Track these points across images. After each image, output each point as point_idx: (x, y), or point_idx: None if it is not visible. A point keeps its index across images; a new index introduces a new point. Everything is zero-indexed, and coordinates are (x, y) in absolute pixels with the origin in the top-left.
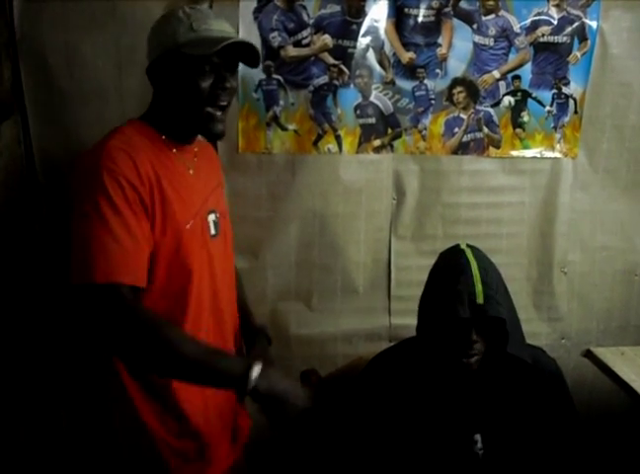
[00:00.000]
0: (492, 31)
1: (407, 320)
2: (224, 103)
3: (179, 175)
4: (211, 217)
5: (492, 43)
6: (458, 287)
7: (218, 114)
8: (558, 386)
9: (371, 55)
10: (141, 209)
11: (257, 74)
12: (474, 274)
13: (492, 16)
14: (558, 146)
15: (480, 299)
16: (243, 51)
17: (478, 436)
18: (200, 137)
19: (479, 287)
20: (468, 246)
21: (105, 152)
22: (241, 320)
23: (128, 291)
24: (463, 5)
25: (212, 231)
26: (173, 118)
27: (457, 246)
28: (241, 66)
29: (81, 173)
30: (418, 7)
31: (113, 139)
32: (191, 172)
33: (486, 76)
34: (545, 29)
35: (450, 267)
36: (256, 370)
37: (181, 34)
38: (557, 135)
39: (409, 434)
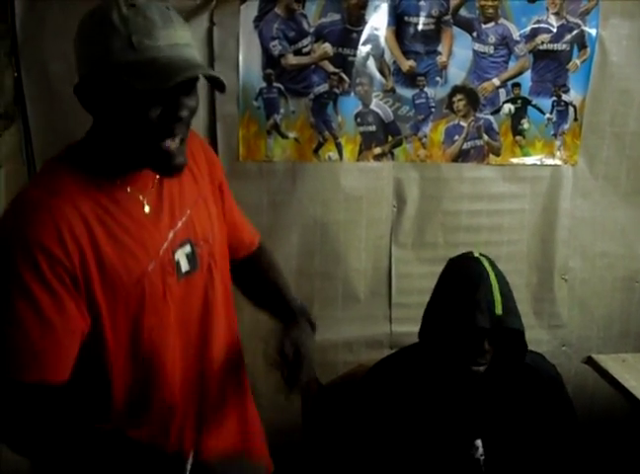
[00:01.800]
0: (492, 39)
1: (408, 327)
2: (181, 134)
3: (128, 218)
4: (182, 252)
5: (492, 51)
6: (477, 296)
7: (174, 147)
8: (558, 391)
9: (372, 63)
10: (66, 290)
11: (257, 82)
12: (493, 283)
13: (491, 24)
14: (558, 153)
15: (499, 310)
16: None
17: (479, 442)
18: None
19: (498, 298)
20: (482, 255)
21: (21, 217)
22: (275, 302)
23: (35, 388)
24: (463, 13)
25: (184, 268)
26: (116, 151)
27: (471, 253)
28: (241, 74)
29: None
30: (418, 15)
31: (32, 193)
32: (147, 209)
33: (486, 84)
34: (545, 36)
35: (467, 275)
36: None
37: (116, 50)
38: (557, 143)
39: (410, 440)
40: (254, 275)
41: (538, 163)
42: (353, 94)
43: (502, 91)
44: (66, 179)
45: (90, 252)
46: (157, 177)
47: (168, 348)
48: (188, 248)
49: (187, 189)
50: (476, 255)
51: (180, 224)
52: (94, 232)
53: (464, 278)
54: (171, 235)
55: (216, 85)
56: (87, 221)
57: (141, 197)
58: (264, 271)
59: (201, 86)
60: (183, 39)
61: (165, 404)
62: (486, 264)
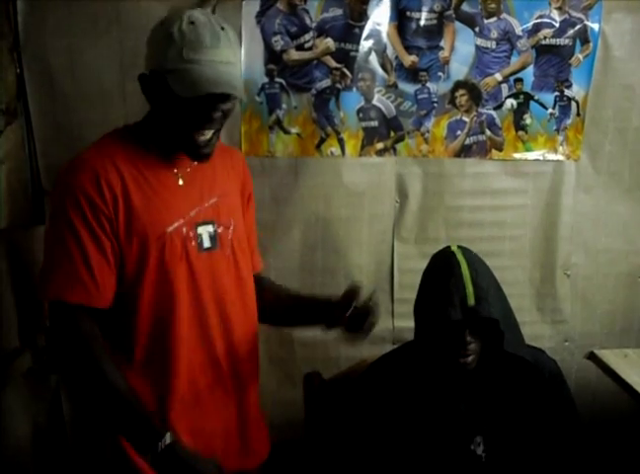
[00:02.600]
0: (494, 33)
1: (410, 323)
2: (212, 130)
3: (161, 185)
4: (204, 229)
5: (494, 46)
6: (449, 289)
7: (202, 140)
8: (559, 386)
9: (374, 59)
10: (102, 228)
11: (259, 78)
12: (464, 275)
13: (494, 19)
14: (561, 149)
15: (471, 301)
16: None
17: (479, 439)
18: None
19: (470, 289)
20: (459, 247)
21: (71, 169)
22: (307, 308)
23: (77, 310)
24: (465, 8)
25: (206, 244)
26: (160, 133)
27: (448, 248)
28: (244, 69)
29: (54, 189)
30: (420, 10)
31: (83, 154)
32: (180, 182)
33: (488, 79)
34: (547, 31)
35: (441, 268)
36: (166, 440)
37: (169, 58)
38: (560, 138)
39: (410, 437)
40: (268, 295)
41: (541, 158)
42: (355, 89)
43: (504, 86)
44: (116, 145)
45: (122, 201)
46: (186, 166)
47: (177, 303)
48: (210, 228)
49: (219, 181)
50: (453, 249)
51: (206, 204)
52: (127, 185)
53: (438, 273)
54: (197, 209)
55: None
56: (123, 176)
57: (177, 172)
58: (276, 288)
59: None
60: (224, 58)
61: (168, 364)
62: (459, 256)
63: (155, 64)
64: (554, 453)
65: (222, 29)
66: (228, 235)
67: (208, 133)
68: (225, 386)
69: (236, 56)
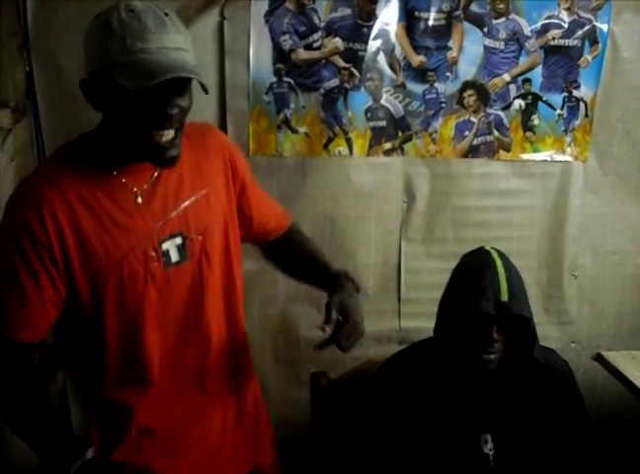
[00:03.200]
0: (502, 34)
1: (417, 323)
2: (172, 130)
3: (116, 207)
4: (171, 243)
5: (502, 47)
6: (483, 284)
7: (164, 140)
8: (569, 386)
9: (382, 58)
10: (42, 263)
11: (268, 77)
12: (499, 271)
13: (502, 19)
14: (568, 150)
15: (505, 297)
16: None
17: (488, 437)
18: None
19: (504, 285)
20: (493, 248)
21: (16, 200)
22: (314, 272)
23: (4, 341)
24: (474, 8)
25: (174, 258)
26: (116, 142)
27: (482, 247)
28: (252, 69)
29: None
30: (428, 10)
31: (32, 177)
32: (139, 200)
33: (496, 79)
34: (556, 32)
35: (475, 265)
36: (87, 456)
37: (112, 51)
38: (567, 139)
39: (420, 435)
40: (287, 252)
41: (549, 159)
42: (363, 89)
43: (512, 87)
44: (62, 168)
45: (70, 233)
46: (156, 171)
47: (146, 328)
48: (178, 240)
49: (187, 183)
50: (487, 248)
51: (173, 215)
52: (77, 216)
53: (472, 268)
54: (160, 224)
55: (201, 85)
56: (71, 206)
57: (135, 189)
58: (296, 247)
59: (212, 81)
60: (174, 44)
61: (143, 380)
62: (494, 254)
63: (96, 62)
64: (563, 453)
65: (166, 14)
66: (199, 242)
67: (169, 133)
68: (209, 398)
69: (187, 43)
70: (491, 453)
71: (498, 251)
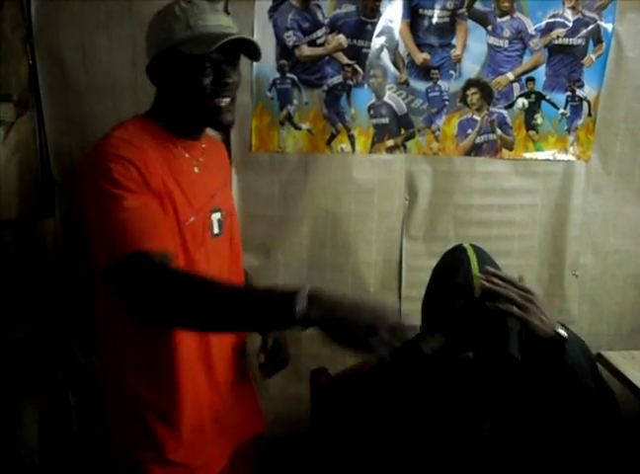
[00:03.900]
0: (506, 32)
1: (417, 320)
2: (228, 98)
3: (183, 172)
4: (216, 216)
5: (506, 45)
6: (456, 280)
7: (223, 104)
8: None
9: (386, 56)
10: (149, 191)
11: (271, 73)
12: (473, 268)
13: (507, 17)
14: (571, 149)
15: (477, 293)
16: (243, 44)
17: (487, 425)
18: (209, 133)
19: (477, 282)
20: (471, 245)
21: (108, 143)
22: None
23: (159, 257)
24: (478, 6)
25: (215, 230)
26: (178, 115)
27: (460, 245)
28: (255, 65)
29: (88, 166)
30: (432, 8)
31: (115, 133)
32: (196, 170)
33: (500, 78)
34: (560, 31)
35: (450, 262)
36: (300, 299)
37: (177, 31)
38: (570, 138)
39: (416, 430)
40: None
41: (551, 158)
42: (366, 86)
43: (516, 85)
44: (141, 130)
45: (162, 181)
46: (202, 151)
47: None
48: (219, 215)
49: (216, 172)
50: (464, 245)
51: (215, 191)
52: (163, 168)
53: (447, 266)
54: (210, 196)
55: (252, 55)
56: (159, 160)
57: (192, 160)
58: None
59: None
60: (227, 23)
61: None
62: (469, 251)
63: (163, 44)
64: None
65: (217, 10)
66: (229, 221)
67: (226, 100)
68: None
69: (236, 27)
70: (489, 438)
71: (475, 247)
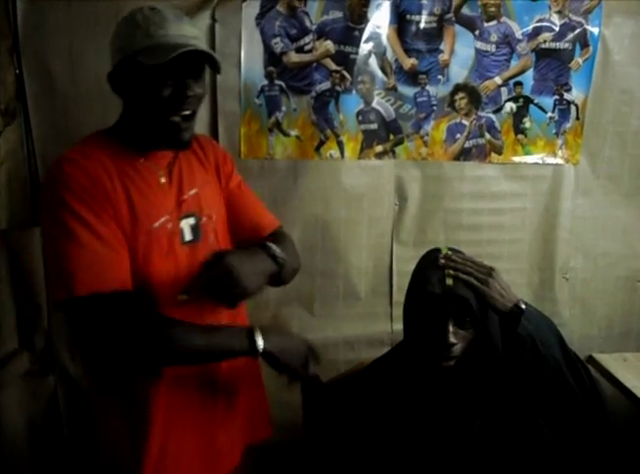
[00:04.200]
0: (494, 37)
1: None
2: (188, 111)
3: (145, 183)
4: (187, 222)
5: (494, 50)
6: (428, 272)
7: (181, 120)
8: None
9: (373, 61)
10: (108, 215)
11: (259, 80)
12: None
13: (494, 22)
14: (560, 152)
15: (449, 281)
16: (207, 55)
17: (477, 423)
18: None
19: (449, 272)
20: (448, 247)
21: (61, 169)
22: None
23: (115, 297)
24: (465, 11)
25: (187, 237)
26: (138, 128)
27: (436, 247)
28: (243, 72)
29: (43, 194)
30: (420, 13)
31: (68, 155)
32: (162, 180)
33: (488, 82)
34: (547, 35)
35: (423, 260)
36: (259, 339)
37: (137, 40)
38: (559, 141)
39: (407, 435)
40: None
41: (540, 162)
42: (354, 92)
43: (504, 89)
44: (100, 146)
45: (120, 194)
46: (173, 158)
47: (163, 305)
48: (192, 220)
49: (197, 173)
50: (440, 247)
51: (186, 197)
52: (122, 181)
53: (421, 265)
54: (178, 203)
55: (213, 67)
56: (110, 175)
57: (158, 170)
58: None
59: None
60: (191, 33)
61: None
62: (443, 250)
63: (123, 51)
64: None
65: (182, 18)
66: (211, 225)
67: (184, 116)
68: (213, 377)
69: (202, 38)
70: (478, 440)
71: (451, 248)
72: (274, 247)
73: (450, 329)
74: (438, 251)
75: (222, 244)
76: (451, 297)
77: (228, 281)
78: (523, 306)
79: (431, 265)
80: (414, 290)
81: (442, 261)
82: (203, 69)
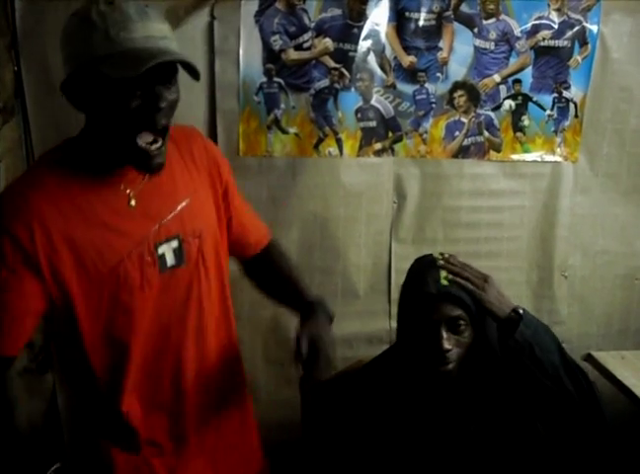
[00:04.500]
0: (493, 34)
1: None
2: (163, 124)
3: (109, 210)
4: (167, 246)
5: (493, 47)
6: (424, 274)
7: (154, 147)
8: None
9: (372, 59)
10: (26, 271)
11: (258, 77)
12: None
13: (493, 20)
14: (559, 150)
15: (444, 282)
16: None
17: (473, 427)
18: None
19: (444, 273)
20: (440, 253)
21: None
22: (289, 296)
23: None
24: (464, 9)
25: (169, 262)
26: (101, 147)
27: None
28: (242, 68)
29: None
30: (419, 11)
31: (15, 186)
32: (132, 203)
33: (487, 80)
34: (546, 33)
35: (418, 265)
36: None
37: (96, 44)
38: (558, 139)
39: (407, 434)
40: (265, 271)
41: (539, 160)
42: (353, 89)
43: (502, 87)
44: (50, 174)
45: (62, 242)
46: (138, 183)
47: (140, 335)
48: (175, 243)
49: (180, 184)
50: (433, 253)
51: (169, 217)
52: (69, 224)
53: (415, 268)
54: (155, 228)
55: (191, 72)
56: (62, 213)
57: (128, 191)
58: (275, 266)
59: (202, 81)
60: (159, 32)
61: (133, 388)
62: (437, 255)
63: (79, 59)
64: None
65: (146, 5)
66: (196, 245)
67: (156, 138)
68: (204, 408)
69: (171, 33)
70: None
71: (443, 254)
72: (329, 307)
73: (444, 335)
74: (429, 255)
75: (208, 265)
76: (446, 297)
77: (328, 369)
78: (521, 311)
79: (426, 267)
80: (408, 292)
81: (441, 262)
82: (176, 71)
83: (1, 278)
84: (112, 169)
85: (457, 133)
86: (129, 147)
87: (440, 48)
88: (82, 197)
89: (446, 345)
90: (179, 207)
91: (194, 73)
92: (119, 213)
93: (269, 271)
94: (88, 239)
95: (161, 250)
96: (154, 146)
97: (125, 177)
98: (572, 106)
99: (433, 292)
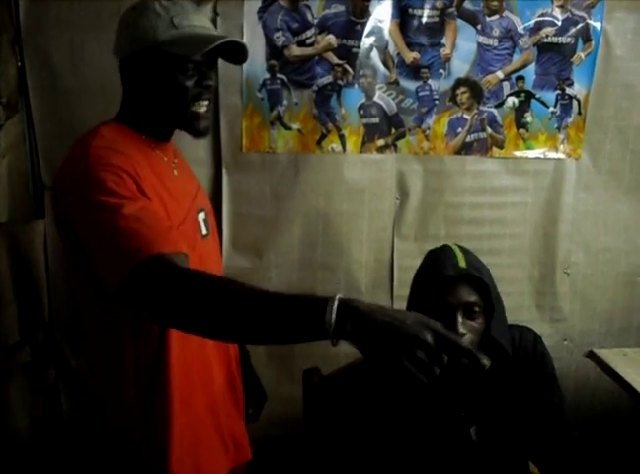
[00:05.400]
0: (496, 31)
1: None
2: (207, 101)
3: (166, 175)
4: (201, 216)
5: (496, 44)
6: (442, 258)
7: (203, 110)
8: (541, 364)
9: (375, 55)
10: (145, 196)
11: (261, 73)
12: (457, 252)
13: (496, 16)
14: (561, 147)
15: (463, 264)
16: (222, 47)
17: (474, 429)
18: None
19: (461, 256)
20: (456, 244)
21: (92, 154)
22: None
23: (176, 258)
24: (467, 5)
25: (204, 231)
26: (151, 117)
27: (445, 244)
28: (245, 66)
29: (75, 181)
30: (422, 7)
31: (93, 142)
32: (175, 172)
33: (490, 77)
34: (549, 29)
35: (435, 253)
36: (331, 311)
37: (161, 30)
38: (561, 136)
39: (408, 430)
40: None
41: (542, 156)
42: (356, 86)
43: (506, 84)
44: (119, 136)
45: (152, 186)
46: (174, 150)
47: None
48: (203, 215)
49: (190, 172)
50: (449, 243)
51: (195, 190)
52: (152, 172)
53: (431, 257)
54: (192, 198)
55: (236, 57)
56: (139, 164)
57: (170, 162)
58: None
59: None
60: (209, 24)
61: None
62: (454, 246)
63: (144, 42)
64: (536, 428)
65: (199, 9)
66: (212, 221)
67: (204, 105)
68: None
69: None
70: (475, 443)
71: (460, 246)
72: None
73: (460, 319)
74: (445, 245)
75: (217, 239)
76: (466, 278)
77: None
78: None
79: (444, 252)
80: (425, 276)
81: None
82: (217, 60)
83: (135, 199)
84: (157, 141)
85: (460, 130)
86: (184, 113)
87: (444, 45)
88: (149, 160)
89: (462, 328)
90: (196, 186)
91: (238, 58)
92: (171, 180)
93: None
94: (165, 193)
95: (199, 218)
96: (203, 109)
97: (166, 152)
98: (575, 103)
99: (452, 274)
